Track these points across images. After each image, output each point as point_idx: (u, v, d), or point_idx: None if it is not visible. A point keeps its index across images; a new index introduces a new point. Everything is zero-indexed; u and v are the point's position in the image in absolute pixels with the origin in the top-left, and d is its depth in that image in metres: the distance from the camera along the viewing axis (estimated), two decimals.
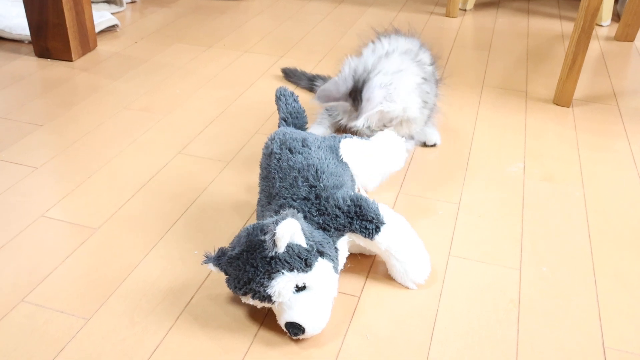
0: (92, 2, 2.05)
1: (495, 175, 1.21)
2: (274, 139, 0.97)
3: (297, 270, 0.78)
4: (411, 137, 1.22)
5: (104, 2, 2.11)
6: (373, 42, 1.24)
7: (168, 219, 1.06)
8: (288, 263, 0.77)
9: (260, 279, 0.78)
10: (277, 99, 1.06)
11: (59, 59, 1.69)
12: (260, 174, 0.98)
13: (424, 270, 0.92)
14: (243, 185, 1.15)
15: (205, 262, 0.83)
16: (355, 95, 1.11)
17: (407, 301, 0.90)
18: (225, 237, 1.02)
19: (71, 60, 1.68)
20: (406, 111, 1.12)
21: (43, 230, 1.02)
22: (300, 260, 0.78)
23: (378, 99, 1.09)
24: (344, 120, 1.32)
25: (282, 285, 0.77)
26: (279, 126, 1.04)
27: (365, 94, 1.09)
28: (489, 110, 1.48)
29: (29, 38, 1.74)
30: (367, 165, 1.00)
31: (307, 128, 1.07)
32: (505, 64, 1.76)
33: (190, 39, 1.88)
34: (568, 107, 1.50)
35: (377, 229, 0.87)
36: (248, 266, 0.78)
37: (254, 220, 1.05)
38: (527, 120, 1.43)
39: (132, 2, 2.20)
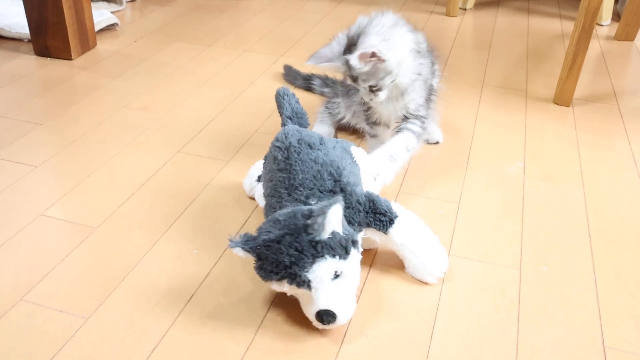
0: (92, 0, 2.05)
1: (495, 174, 1.21)
2: (287, 134, 0.96)
3: (339, 257, 0.79)
4: (422, 129, 1.19)
5: (103, 0, 2.11)
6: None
7: (167, 218, 1.06)
8: (332, 248, 0.78)
9: (304, 262, 0.77)
10: (281, 98, 1.05)
11: (59, 58, 1.69)
12: (264, 168, 0.97)
13: (442, 262, 0.93)
14: (242, 184, 1.15)
15: (232, 245, 0.80)
16: (350, 51, 1.10)
17: (407, 301, 0.89)
18: (224, 235, 1.01)
19: (71, 59, 1.68)
20: (400, 66, 1.09)
21: (42, 229, 1.02)
22: (341, 247, 0.79)
23: (375, 42, 1.07)
24: (346, 118, 1.32)
25: (323, 270, 0.78)
26: (282, 125, 1.03)
27: (362, 41, 1.08)
28: (489, 109, 1.48)
29: (29, 37, 1.74)
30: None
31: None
32: (505, 64, 1.75)
33: (189, 38, 1.88)
34: (568, 106, 1.50)
35: (390, 222, 0.89)
36: (292, 249, 0.77)
37: (253, 219, 1.05)
38: (527, 119, 1.43)
39: (131, 1, 2.20)
